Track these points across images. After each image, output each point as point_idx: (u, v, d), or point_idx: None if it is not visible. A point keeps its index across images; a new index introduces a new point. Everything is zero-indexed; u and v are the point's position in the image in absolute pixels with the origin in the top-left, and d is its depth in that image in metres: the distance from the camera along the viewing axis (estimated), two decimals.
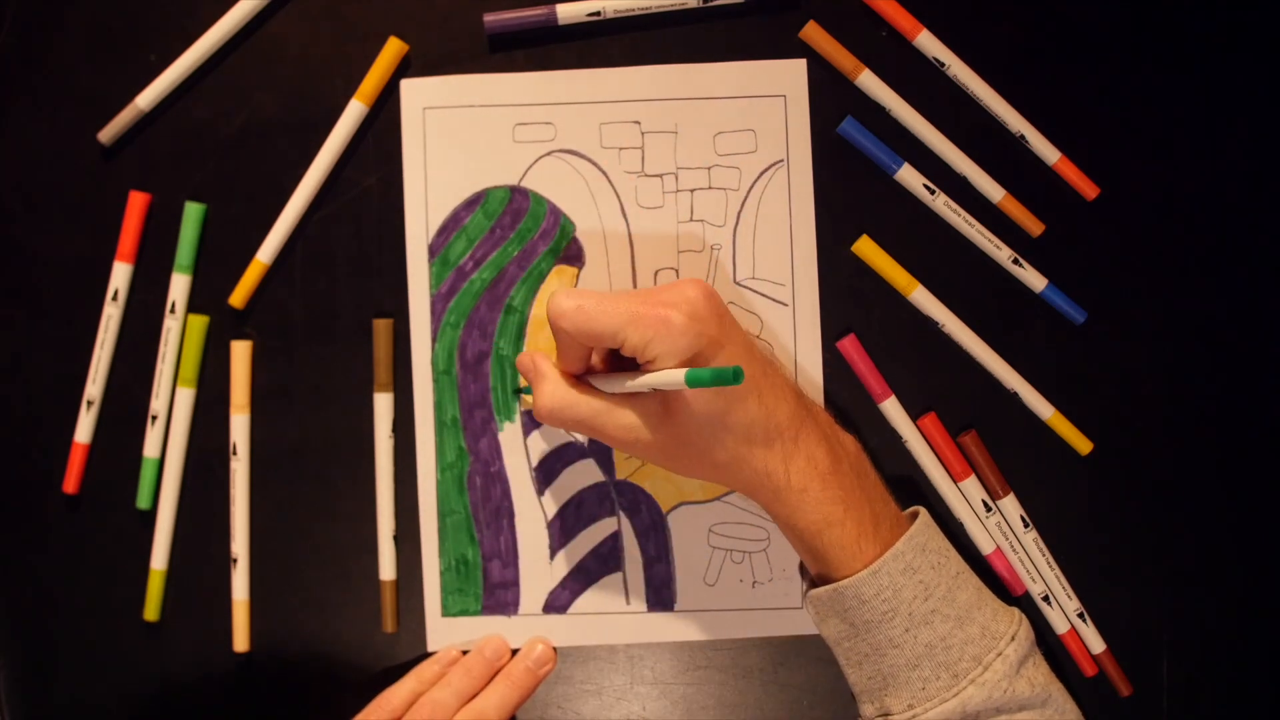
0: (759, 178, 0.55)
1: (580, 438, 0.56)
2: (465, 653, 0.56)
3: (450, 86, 0.55)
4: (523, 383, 0.56)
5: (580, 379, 0.50)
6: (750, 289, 0.56)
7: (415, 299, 0.56)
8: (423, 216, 0.55)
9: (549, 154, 0.55)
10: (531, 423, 0.56)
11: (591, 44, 0.55)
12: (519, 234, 0.55)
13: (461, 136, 0.55)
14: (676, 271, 0.56)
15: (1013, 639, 0.49)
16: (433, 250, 0.56)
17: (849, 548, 0.48)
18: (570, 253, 0.56)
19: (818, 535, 0.48)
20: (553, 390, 0.49)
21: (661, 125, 0.55)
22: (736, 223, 0.56)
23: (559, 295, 0.47)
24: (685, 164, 0.55)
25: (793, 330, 0.56)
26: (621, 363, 0.50)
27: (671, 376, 0.43)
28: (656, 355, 0.45)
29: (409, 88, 0.55)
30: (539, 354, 0.51)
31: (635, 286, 0.55)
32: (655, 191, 0.56)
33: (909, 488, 0.57)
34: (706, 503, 0.56)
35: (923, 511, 0.51)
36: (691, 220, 0.56)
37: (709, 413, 0.46)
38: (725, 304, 0.48)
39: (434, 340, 0.56)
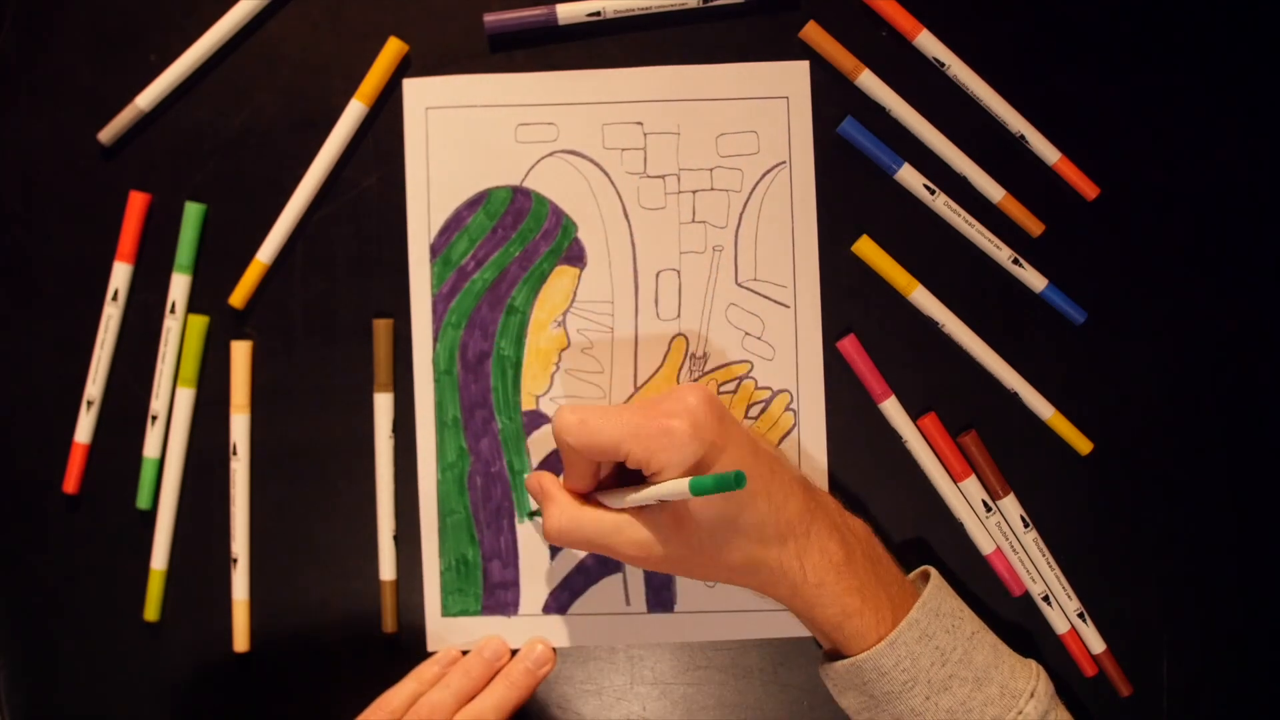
0: (761, 179, 0.55)
1: None
2: (465, 653, 0.56)
3: (453, 86, 0.55)
4: (534, 504, 0.56)
5: (588, 496, 0.50)
6: (752, 290, 0.56)
7: (417, 299, 0.56)
8: (425, 216, 0.55)
9: (551, 154, 0.55)
10: (532, 422, 0.56)
11: (591, 44, 0.55)
12: (521, 234, 0.55)
13: (464, 136, 0.55)
14: (678, 273, 0.56)
15: (1031, 695, 0.49)
16: (434, 250, 0.55)
17: (869, 636, 0.48)
18: (572, 253, 0.56)
19: (838, 628, 0.49)
20: (560, 512, 0.49)
21: (664, 126, 0.55)
22: (739, 224, 0.55)
23: (563, 411, 0.47)
24: (687, 165, 0.55)
25: (794, 331, 0.56)
26: (628, 476, 0.51)
27: (676, 487, 0.44)
28: (662, 467, 0.45)
29: (412, 87, 0.55)
30: (546, 475, 0.51)
31: (637, 287, 0.55)
32: (657, 192, 0.55)
33: (909, 488, 0.57)
34: None
35: (934, 573, 0.51)
36: (694, 221, 0.56)
37: (719, 518, 0.46)
38: (725, 406, 0.48)
39: (435, 340, 0.56)
